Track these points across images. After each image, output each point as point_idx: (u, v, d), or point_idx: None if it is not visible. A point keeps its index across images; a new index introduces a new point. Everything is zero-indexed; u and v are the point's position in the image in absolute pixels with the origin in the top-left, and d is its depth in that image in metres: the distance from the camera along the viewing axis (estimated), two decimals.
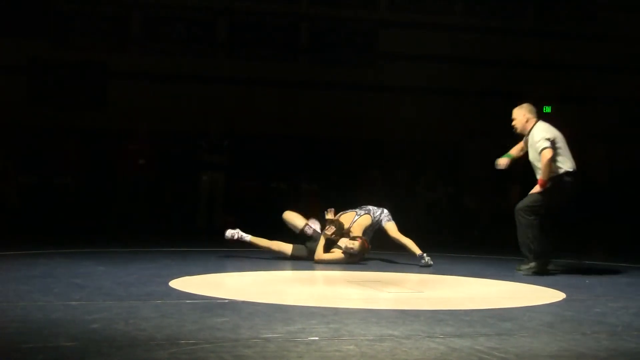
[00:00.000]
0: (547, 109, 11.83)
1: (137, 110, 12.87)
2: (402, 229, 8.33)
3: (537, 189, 7.39)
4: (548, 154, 7.31)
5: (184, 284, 6.16)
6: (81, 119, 12.97)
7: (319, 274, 7.48)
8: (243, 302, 5.35)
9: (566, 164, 7.42)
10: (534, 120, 7.57)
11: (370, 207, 8.42)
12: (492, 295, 6.30)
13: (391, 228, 8.29)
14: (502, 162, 7.73)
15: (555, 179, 7.37)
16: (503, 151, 7.85)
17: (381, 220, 8.32)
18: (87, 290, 5.73)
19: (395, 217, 8.46)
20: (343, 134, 13.81)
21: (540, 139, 7.40)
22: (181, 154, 12.87)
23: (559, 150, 7.41)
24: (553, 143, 7.38)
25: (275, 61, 13.87)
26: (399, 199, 11.63)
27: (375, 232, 8.39)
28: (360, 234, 8.10)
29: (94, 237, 10.38)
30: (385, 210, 8.43)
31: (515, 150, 7.82)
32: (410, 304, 5.61)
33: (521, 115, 7.58)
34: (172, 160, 12.89)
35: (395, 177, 13.44)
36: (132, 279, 6.35)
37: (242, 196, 12.93)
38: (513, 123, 7.63)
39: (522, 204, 7.42)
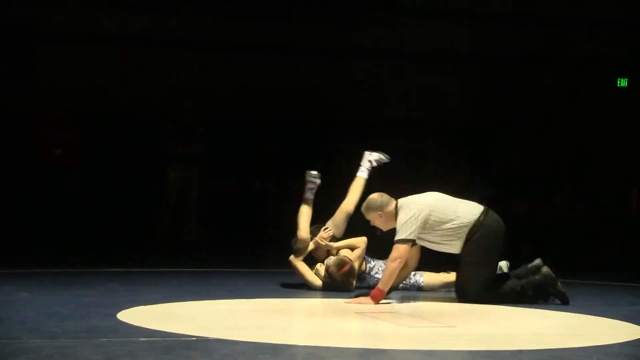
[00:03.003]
0: (623, 82, 11.82)
1: (71, 85, 12.95)
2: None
3: (367, 301, 7.10)
4: (401, 252, 7.09)
5: (136, 316, 6.19)
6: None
7: (317, 303, 7.52)
8: (217, 340, 5.39)
9: (470, 212, 7.34)
10: (392, 206, 7.32)
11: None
12: (547, 331, 6.33)
13: (432, 280, 8.20)
14: None
15: (474, 233, 7.29)
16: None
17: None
18: (6, 325, 5.75)
19: None
20: (358, 115, 13.80)
21: (401, 224, 7.15)
22: (142, 143, 12.94)
23: (448, 210, 7.27)
24: (430, 217, 7.19)
25: (264, 18, 13.86)
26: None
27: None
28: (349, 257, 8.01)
29: (14, 252, 10.40)
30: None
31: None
32: (436, 343, 5.63)
33: (375, 216, 7.35)
34: (128, 153, 12.97)
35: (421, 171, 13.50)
36: (67, 310, 6.37)
37: (215, 200, 12.96)
38: (373, 225, 7.44)
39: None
